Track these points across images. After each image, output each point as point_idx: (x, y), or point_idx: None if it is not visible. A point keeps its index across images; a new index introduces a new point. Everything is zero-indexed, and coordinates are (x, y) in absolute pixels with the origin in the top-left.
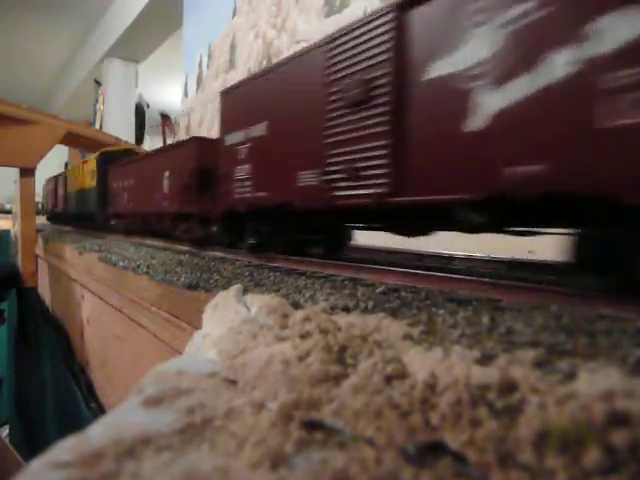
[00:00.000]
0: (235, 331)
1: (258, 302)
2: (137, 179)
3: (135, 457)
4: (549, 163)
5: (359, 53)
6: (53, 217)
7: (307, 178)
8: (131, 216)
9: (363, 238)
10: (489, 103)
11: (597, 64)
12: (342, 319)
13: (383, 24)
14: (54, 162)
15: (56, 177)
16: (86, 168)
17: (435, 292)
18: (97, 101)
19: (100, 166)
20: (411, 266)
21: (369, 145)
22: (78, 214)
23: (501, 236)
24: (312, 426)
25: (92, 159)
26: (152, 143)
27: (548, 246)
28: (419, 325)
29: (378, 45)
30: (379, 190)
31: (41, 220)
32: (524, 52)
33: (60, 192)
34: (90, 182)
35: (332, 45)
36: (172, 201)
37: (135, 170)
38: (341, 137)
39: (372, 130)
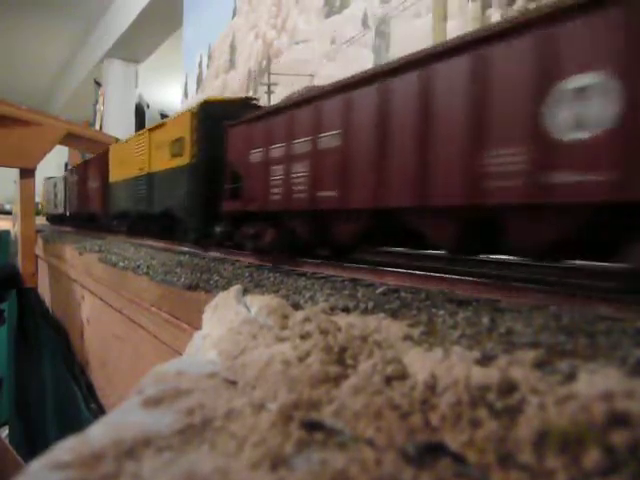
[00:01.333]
0: (235, 332)
1: (258, 303)
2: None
3: (135, 458)
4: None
5: None
6: (74, 221)
7: None
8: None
9: None
10: None
11: None
12: (342, 320)
13: None
14: (53, 163)
15: (85, 164)
16: (159, 138)
17: (435, 293)
18: (97, 102)
19: (204, 127)
20: (411, 267)
21: None
22: (134, 215)
23: None
24: (312, 427)
25: (183, 117)
26: None
27: None
28: (419, 326)
29: None
30: None
31: (41, 220)
32: None
33: (93, 185)
34: (172, 160)
35: None
36: None
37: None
38: None
39: None
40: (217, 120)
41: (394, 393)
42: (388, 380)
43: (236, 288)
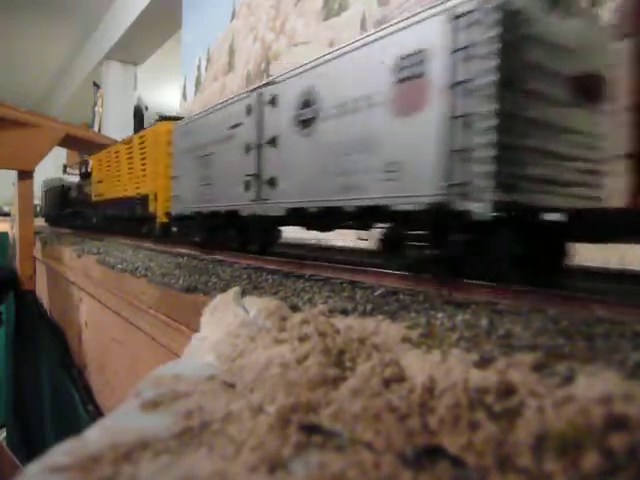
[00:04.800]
0: (233, 334)
1: (257, 305)
2: None
3: (132, 461)
4: None
5: None
6: None
7: None
8: None
9: None
10: None
11: None
12: (340, 322)
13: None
14: (51, 164)
15: None
16: None
17: (433, 295)
18: (96, 103)
19: None
20: None
21: None
22: None
23: None
24: (310, 430)
25: None
26: None
27: None
28: (417, 328)
29: None
30: None
31: (39, 222)
32: None
33: None
34: None
35: None
36: None
37: None
38: None
39: None
40: None
41: (392, 396)
42: (386, 383)
43: (234, 290)
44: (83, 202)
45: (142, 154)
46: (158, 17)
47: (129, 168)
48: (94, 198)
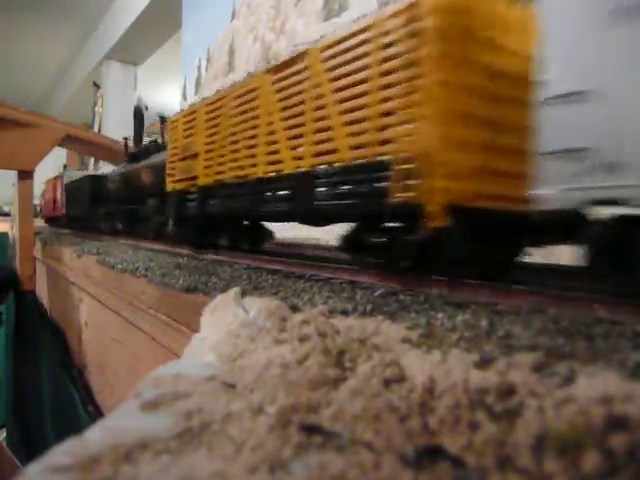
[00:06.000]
0: (233, 334)
1: (257, 305)
2: None
3: (132, 462)
4: None
5: None
6: None
7: None
8: None
9: None
10: None
11: None
12: (341, 322)
13: None
14: (51, 164)
15: None
16: None
17: (433, 295)
18: (96, 103)
19: None
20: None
21: None
22: None
23: None
24: (310, 430)
25: None
26: None
27: None
28: (418, 328)
29: None
30: None
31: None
32: None
33: None
34: None
35: None
36: None
37: None
38: None
39: None
40: None
41: (392, 396)
42: (386, 383)
43: (235, 290)
44: (139, 197)
45: (346, 75)
46: (158, 17)
47: (290, 117)
48: (170, 187)
